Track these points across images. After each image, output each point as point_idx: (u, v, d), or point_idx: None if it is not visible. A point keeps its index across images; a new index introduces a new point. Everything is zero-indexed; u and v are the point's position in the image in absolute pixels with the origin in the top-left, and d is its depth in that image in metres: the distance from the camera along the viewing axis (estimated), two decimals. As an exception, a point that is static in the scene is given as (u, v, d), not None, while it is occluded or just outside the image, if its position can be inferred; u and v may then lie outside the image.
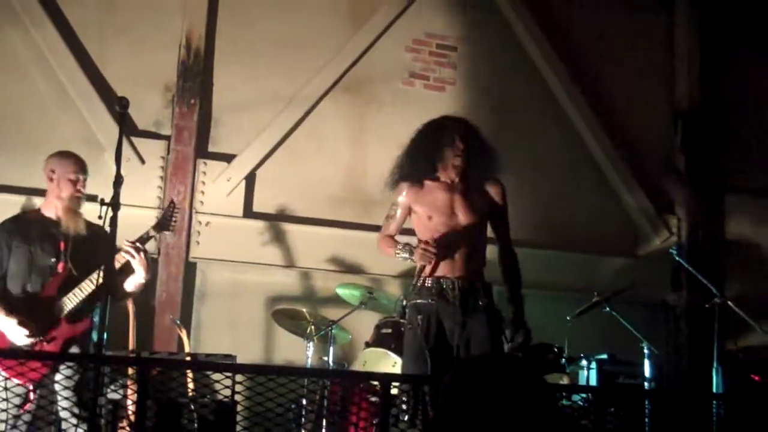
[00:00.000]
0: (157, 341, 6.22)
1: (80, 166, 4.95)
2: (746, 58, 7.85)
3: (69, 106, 6.41)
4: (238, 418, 4.44)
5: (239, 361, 5.27)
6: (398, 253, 4.55)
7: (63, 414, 4.33)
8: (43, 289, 4.69)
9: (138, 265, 4.78)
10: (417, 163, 4.58)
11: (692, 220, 7.43)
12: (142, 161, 6.48)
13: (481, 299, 4.45)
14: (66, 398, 4.28)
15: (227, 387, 3.79)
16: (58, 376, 4.37)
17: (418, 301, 4.50)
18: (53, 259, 4.73)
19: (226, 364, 4.94)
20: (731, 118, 7.77)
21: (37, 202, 6.16)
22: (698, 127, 7.61)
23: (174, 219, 5.06)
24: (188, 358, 5.50)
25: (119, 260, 4.70)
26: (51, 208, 4.88)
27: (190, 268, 6.53)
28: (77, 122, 6.38)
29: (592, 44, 7.55)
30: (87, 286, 4.64)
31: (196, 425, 4.89)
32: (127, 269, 4.81)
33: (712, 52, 7.77)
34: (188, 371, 5.13)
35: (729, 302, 6.14)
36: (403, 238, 4.69)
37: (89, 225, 4.83)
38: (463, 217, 4.52)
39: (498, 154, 4.66)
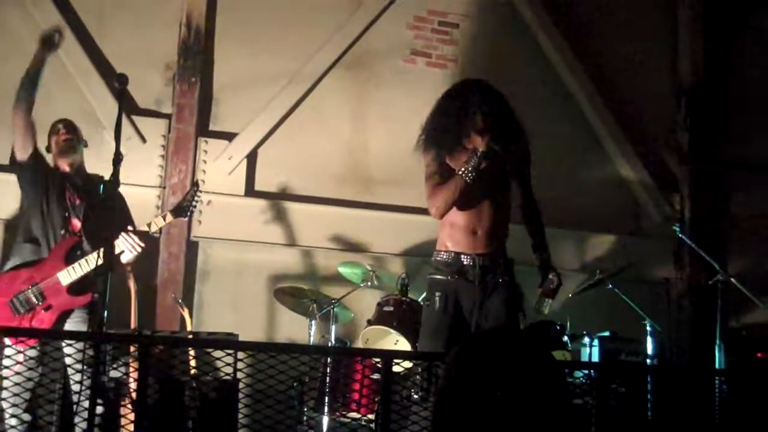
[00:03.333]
0: (160, 320, 6.22)
1: (59, 121, 5.15)
2: (750, 35, 7.81)
3: (68, 84, 6.38)
4: (241, 395, 4.45)
5: (241, 339, 5.28)
6: (466, 171, 4.31)
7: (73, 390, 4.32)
8: (51, 252, 4.72)
9: (128, 252, 4.83)
10: (443, 137, 4.49)
11: (695, 197, 7.40)
12: (143, 140, 6.46)
13: (501, 277, 4.40)
14: (69, 376, 4.27)
15: (228, 365, 3.78)
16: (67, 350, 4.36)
17: (438, 277, 4.45)
18: (66, 213, 4.81)
19: (228, 341, 4.96)
20: (735, 94, 7.72)
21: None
22: (701, 104, 7.57)
23: (195, 203, 5.05)
24: (190, 337, 5.51)
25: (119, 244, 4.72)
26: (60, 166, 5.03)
27: (192, 248, 6.52)
28: (77, 100, 6.35)
29: (595, 20, 7.49)
30: (92, 259, 4.56)
31: (198, 403, 4.90)
32: None
33: (715, 28, 7.72)
34: (190, 350, 5.14)
35: (732, 279, 6.14)
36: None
37: (107, 185, 4.69)
38: (487, 189, 4.45)
39: (518, 120, 4.58)
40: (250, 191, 6.67)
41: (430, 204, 4.43)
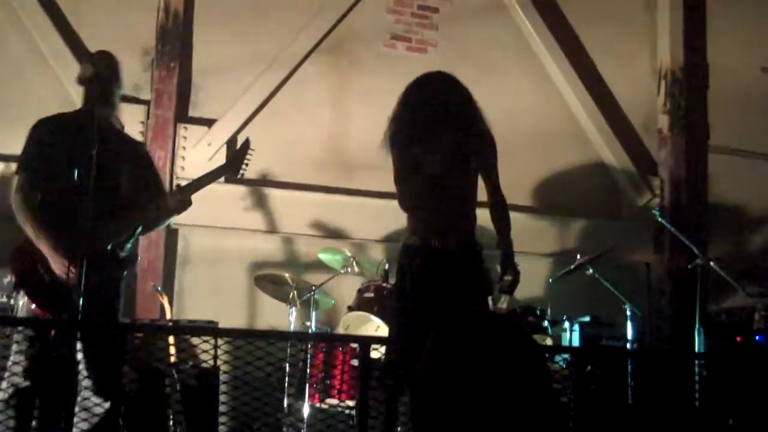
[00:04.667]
0: (139, 309, 6.18)
1: (99, 57, 4.51)
2: (728, 17, 7.83)
3: (44, 68, 6.32)
4: (221, 382, 4.44)
5: (222, 327, 5.25)
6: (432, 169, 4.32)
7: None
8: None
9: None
10: (408, 131, 4.51)
11: (675, 181, 7.42)
12: (122, 126, 6.39)
13: (468, 259, 4.41)
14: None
15: (206, 351, 3.77)
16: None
17: (407, 261, 4.45)
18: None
19: (207, 328, 4.93)
20: (714, 77, 7.75)
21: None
22: (681, 87, 7.58)
23: (246, 163, 4.64)
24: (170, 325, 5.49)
25: None
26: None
27: (171, 235, 6.49)
28: (54, 85, 6.29)
29: (574, 3, 7.50)
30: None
31: (178, 391, 4.88)
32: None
33: (694, 11, 7.73)
34: (171, 338, 5.11)
35: (711, 263, 6.16)
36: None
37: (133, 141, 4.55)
38: (454, 175, 4.45)
39: (479, 107, 4.58)
40: (230, 177, 6.61)
41: (400, 201, 4.45)
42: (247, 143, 4.69)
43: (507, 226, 4.60)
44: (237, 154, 4.71)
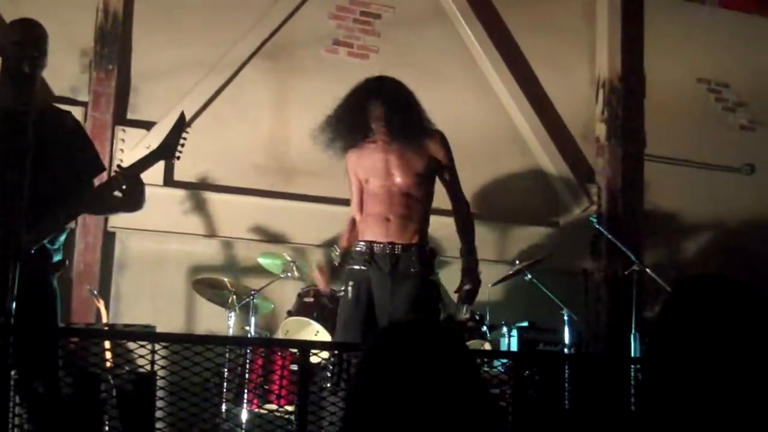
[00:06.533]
0: (75, 313, 6.09)
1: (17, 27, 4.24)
2: (665, 29, 7.97)
3: (-21, 70, 6.19)
4: (158, 388, 4.38)
5: (159, 331, 5.19)
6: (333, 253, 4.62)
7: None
8: None
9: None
10: (347, 132, 4.53)
11: (611, 189, 7.52)
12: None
13: (413, 265, 4.40)
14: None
15: (142, 356, 3.71)
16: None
17: (353, 267, 4.46)
18: None
19: (144, 333, 4.87)
20: (651, 88, 7.88)
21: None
22: (618, 96, 7.70)
23: (182, 143, 4.03)
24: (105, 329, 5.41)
25: None
26: None
27: (108, 238, 6.40)
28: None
29: (515, 13, 7.57)
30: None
31: (114, 397, 4.80)
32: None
33: (632, 22, 7.85)
34: (106, 343, 5.04)
35: (647, 270, 6.26)
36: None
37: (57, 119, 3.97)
38: (399, 178, 4.46)
39: (421, 109, 4.62)
40: (169, 181, 6.56)
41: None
42: (181, 120, 4.08)
43: (469, 232, 4.63)
44: (171, 134, 4.04)
